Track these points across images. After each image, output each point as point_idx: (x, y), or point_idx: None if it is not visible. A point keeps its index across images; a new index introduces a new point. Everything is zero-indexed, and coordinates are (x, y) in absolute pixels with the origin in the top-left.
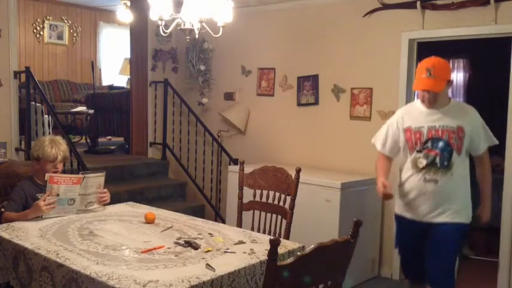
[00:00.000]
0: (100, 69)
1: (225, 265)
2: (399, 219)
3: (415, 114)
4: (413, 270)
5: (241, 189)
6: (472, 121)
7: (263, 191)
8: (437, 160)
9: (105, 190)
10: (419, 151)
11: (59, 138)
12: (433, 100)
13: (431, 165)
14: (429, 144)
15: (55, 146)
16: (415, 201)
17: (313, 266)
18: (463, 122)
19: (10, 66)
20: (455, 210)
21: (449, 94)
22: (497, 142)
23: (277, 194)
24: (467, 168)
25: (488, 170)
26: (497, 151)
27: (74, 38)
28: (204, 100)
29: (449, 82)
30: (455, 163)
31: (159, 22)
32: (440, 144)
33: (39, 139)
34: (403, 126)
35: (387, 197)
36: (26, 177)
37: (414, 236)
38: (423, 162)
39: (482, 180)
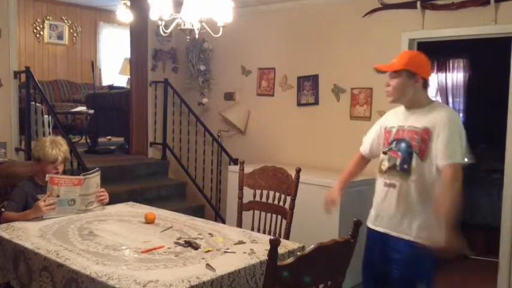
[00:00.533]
0: (100, 69)
1: (225, 265)
2: (368, 232)
3: (398, 115)
4: None
5: (241, 189)
6: (441, 124)
7: (263, 191)
8: (398, 163)
9: (103, 189)
10: (384, 152)
11: (59, 139)
12: (389, 87)
13: (392, 168)
14: (393, 145)
15: (56, 147)
16: (378, 209)
17: (313, 266)
18: (431, 124)
19: (10, 66)
20: (420, 227)
21: (449, 96)
22: (462, 161)
23: (277, 194)
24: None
25: (448, 192)
26: (496, 155)
27: (74, 38)
28: (204, 100)
29: (413, 74)
30: (417, 168)
31: (159, 22)
32: (403, 145)
33: (39, 140)
34: (384, 125)
35: (327, 205)
36: (27, 177)
37: (378, 253)
38: (386, 164)
39: (438, 203)
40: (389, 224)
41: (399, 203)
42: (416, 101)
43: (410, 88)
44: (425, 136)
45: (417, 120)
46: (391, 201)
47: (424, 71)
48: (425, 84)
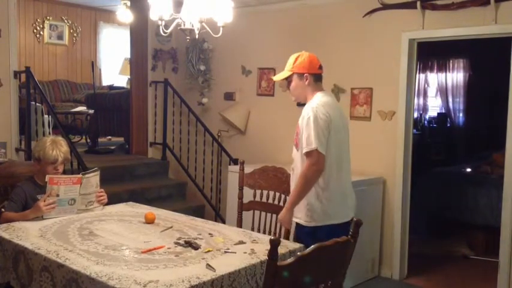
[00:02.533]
0: (100, 69)
1: (226, 265)
2: None
3: None
4: None
5: (241, 189)
6: (303, 118)
7: (263, 191)
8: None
9: (102, 190)
10: None
11: (60, 140)
12: (288, 91)
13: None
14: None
15: (56, 148)
16: None
17: (313, 266)
18: (300, 118)
19: (10, 66)
20: (297, 209)
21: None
22: (306, 149)
23: (277, 194)
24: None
25: (301, 174)
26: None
27: (74, 38)
28: (204, 100)
29: (300, 75)
30: (295, 159)
31: (159, 22)
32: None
33: (40, 140)
34: None
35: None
36: (27, 177)
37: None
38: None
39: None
40: None
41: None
42: (304, 96)
43: (303, 88)
44: (297, 129)
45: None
46: None
47: (309, 67)
48: (317, 78)
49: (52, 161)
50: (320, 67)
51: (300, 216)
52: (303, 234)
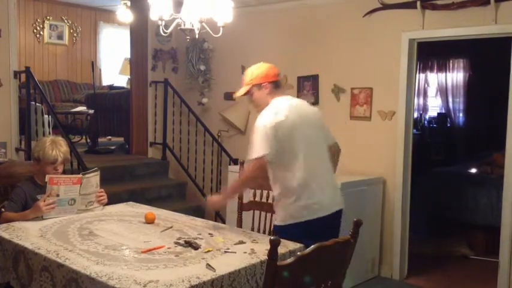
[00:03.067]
0: (100, 69)
1: (226, 265)
2: None
3: None
4: None
5: None
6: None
7: (263, 191)
8: None
9: (102, 190)
10: None
11: (60, 140)
12: (253, 105)
13: None
14: None
15: (56, 148)
16: None
17: (313, 266)
18: None
19: (10, 66)
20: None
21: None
22: (252, 157)
23: None
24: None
25: (244, 174)
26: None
27: (74, 38)
28: (204, 100)
29: (259, 86)
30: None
31: (159, 22)
32: None
33: (40, 140)
34: None
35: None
36: (27, 177)
37: None
38: None
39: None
40: None
41: None
42: (263, 106)
43: (264, 97)
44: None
45: None
46: None
47: (266, 77)
48: (276, 85)
49: (52, 161)
50: (278, 74)
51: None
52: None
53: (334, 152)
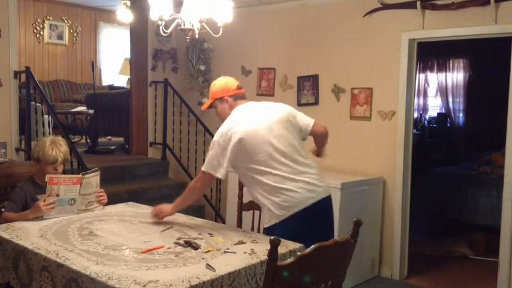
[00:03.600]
0: (100, 69)
1: (225, 265)
2: None
3: None
4: None
5: (241, 189)
6: None
7: None
8: None
9: (102, 190)
10: None
11: (59, 140)
12: (218, 117)
13: None
14: None
15: (55, 148)
16: None
17: (313, 266)
18: None
19: (10, 66)
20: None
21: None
22: (203, 168)
23: None
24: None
25: (190, 185)
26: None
27: (74, 38)
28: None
29: (220, 99)
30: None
31: (159, 22)
32: None
33: (40, 140)
34: None
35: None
36: (27, 177)
37: None
38: None
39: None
40: None
41: None
42: (224, 118)
43: (226, 110)
44: None
45: None
46: None
47: (225, 91)
48: (237, 97)
49: (51, 161)
50: (238, 87)
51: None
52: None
53: (319, 134)
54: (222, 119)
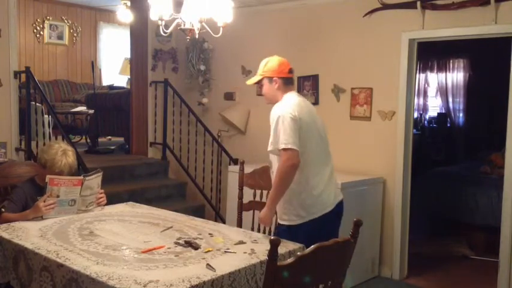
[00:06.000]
0: (100, 69)
1: (226, 265)
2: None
3: None
4: None
5: (241, 189)
6: (272, 119)
7: (263, 191)
8: None
9: (102, 191)
10: None
11: (69, 151)
12: (263, 95)
13: None
14: None
15: (65, 159)
16: None
17: (313, 266)
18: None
19: (10, 66)
20: (278, 212)
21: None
22: (277, 147)
23: None
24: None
25: (277, 172)
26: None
27: (74, 38)
28: (204, 100)
29: (270, 79)
30: (272, 161)
31: (159, 22)
32: None
33: (50, 146)
34: None
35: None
36: (28, 177)
37: None
38: None
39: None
40: None
41: None
42: (271, 99)
43: (273, 91)
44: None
45: None
46: None
47: (277, 72)
48: (287, 81)
49: (58, 172)
50: (290, 71)
51: (285, 217)
52: (285, 233)
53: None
54: (266, 98)
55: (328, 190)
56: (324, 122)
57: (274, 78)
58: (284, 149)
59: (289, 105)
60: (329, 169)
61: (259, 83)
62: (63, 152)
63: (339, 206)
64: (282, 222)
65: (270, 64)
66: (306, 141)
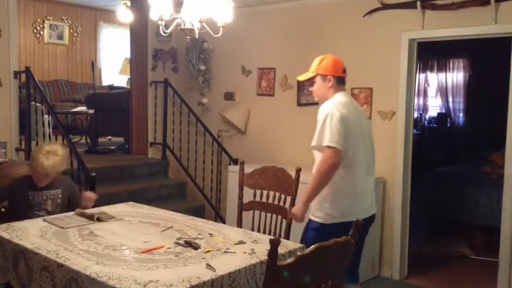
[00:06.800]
0: (100, 69)
1: (226, 265)
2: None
3: None
4: None
5: (241, 189)
6: (320, 115)
7: (263, 191)
8: None
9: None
10: None
11: (57, 150)
12: (313, 92)
13: None
14: None
15: (48, 160)
16: None
17: (313, 266)
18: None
19: (10, 66)
20: (312, 208)
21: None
22: (321, 144)
23: (278, 194)
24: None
25: (316, 169)
26: (487, 158)
27: (74, 38)
28: (204, 100)
29: (324, 77)
30: (315, 158)
31: (159, 22)
32: None
33: (39, 146)
34: None
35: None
36: (26, 175)
37: None
38: None
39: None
40: None
41: None
42: (323, 97)
43: (326, 89)
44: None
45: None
46: None
47: (332, 70)
48: (340, 81)
49: (41, 172)
50: (344, 70)
51: (318, 214)
52: (316, 230)
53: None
54: (317, 95)
55: (367, 198)
56: (371, 128)
57: (328, 77)
58: (327, 147)
59: (339, 105)
60: (372, 178)
61: (310, 79)
62: (47, 152)
63: (371, 219)
64: (314, 219)
65: (325, 62)
66: (351, 143)
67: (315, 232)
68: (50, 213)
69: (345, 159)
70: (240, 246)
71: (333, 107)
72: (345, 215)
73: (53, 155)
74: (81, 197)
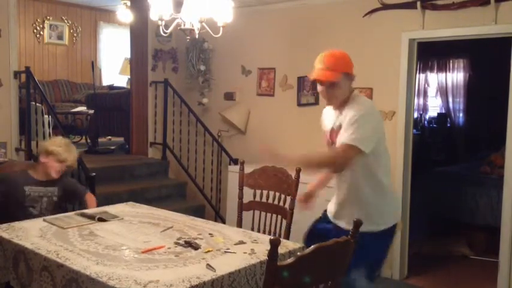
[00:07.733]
0: (100, 69)
1: (226, 265)
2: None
3: (330, 115)
4: None
5: (241, 189)
6: (348, 115)
7: (263, 191)
8: None
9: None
10: None
11: (73, 147)
12: (328, 95)
13: None
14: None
15: (69, 151)
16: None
17: (313, 266)
18: (343, 121)
19: (10, 66)
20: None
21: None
22: (352, 143)
23: (278, 194)
24: (358, 174)
25: (331, 155)
26: (487, 158)
27: (74, 38)
28: (204, 100)
29: (348, 75)
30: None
31: (159, 22)
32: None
33: (54, 138)
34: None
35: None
36: (22, 169)
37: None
38: None
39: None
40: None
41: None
42: (344, 100)
43: (348, 88)
44: (336, 131)
45: (341, 118)
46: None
47: (351, 67)
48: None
49: (61, 159)
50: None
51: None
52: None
53: None
54: (337, 98)
55: (396, 203)
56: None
57: (351, 75)
58: (357, 148)
59: (374, 108)
60: (391, 185)
61: (333, 81)
62: (67, 144)
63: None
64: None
65: (347, 59)
66: (381, 145)
67: (371, 241)
68: (42, 210)
69: (375, 161)
70: (240, 246)
71: (373, 110)
72: (394, 217)
73: (73, 149)
74: (85, 199)
